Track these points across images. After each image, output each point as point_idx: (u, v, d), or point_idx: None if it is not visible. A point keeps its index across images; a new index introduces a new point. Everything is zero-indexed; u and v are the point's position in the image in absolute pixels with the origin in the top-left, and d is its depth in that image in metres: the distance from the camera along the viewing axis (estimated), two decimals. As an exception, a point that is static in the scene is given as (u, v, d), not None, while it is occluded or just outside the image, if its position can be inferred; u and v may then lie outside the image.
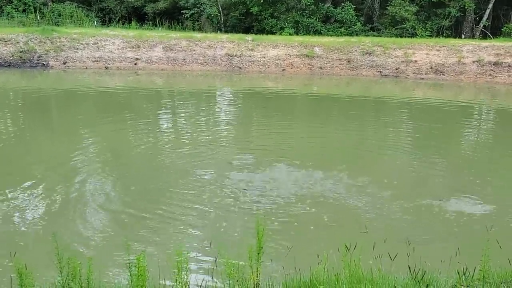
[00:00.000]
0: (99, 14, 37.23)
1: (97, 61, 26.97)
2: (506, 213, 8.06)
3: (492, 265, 4.66)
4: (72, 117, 15.32)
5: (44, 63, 26.33)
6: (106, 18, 36.84)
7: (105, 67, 26.78)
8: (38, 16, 32.77)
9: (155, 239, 6.91)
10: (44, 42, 27.05)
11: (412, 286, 4.35)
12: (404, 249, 5.12)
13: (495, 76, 25.47)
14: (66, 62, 26.54)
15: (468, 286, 4.60)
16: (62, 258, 4.08)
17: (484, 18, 33.84)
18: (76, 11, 34.26)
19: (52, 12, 33.65)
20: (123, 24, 35.26)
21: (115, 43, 27.90)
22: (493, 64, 25.82)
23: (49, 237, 5.60)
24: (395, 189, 9.23)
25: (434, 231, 7.46)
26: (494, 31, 34.32)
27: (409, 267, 4.59)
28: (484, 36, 33.63)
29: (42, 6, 34.44)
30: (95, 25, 33.40)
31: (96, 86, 22.60)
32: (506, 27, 32.23)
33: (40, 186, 8.86)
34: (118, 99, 19.67)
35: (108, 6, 37.59)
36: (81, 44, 27.40)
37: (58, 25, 31.02)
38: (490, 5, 33.44)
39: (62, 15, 33.47)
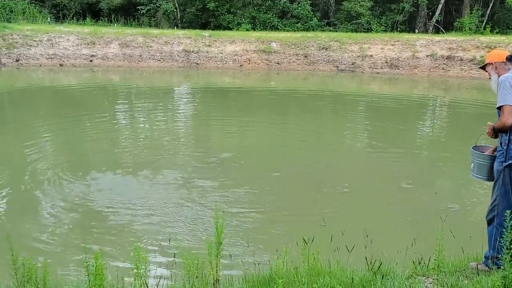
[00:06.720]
0: (53, 10, 36.39)
1: (51, 58, 26.40)
2: (459, 203, 8.26)
3: (447, 254, 4.77)
4: (26, 115, 14.96)
5: (-5, 60, 25.66)
6: (60, 15, 36.06)
7: (60, 64, 26.24)
8: (-12, 13, 31.87)
9: (113, 238, 6.83)
10: (-4, 39, 26.37)
11: (370, 277, 4.41)
12: (362, 241, 5.19)
13: (448, 70, 26.02)
14: (19, 59, 25.90)
15: (423, 276, 4.70)
16: (17, 260, 3.99)
17: (437, 13, 34.55)
18: (28, 7, 33.40)
19: (4, 8, 32.64)
20: (77, 20, 34.57)
21: (70, 40, 27.36)
22: (446, 58, 26.37)
23: (3, 239, 5.48)
24: (352, 182, 9.35)
25: (390, 222, 7.59)
26: (446, 25, 35.09)
27: (366, 259, 4.66)
28: (437, 31, 34.32)
29: (-8, 2, 33.50)
30: (49, 22, 32.66)
31: (50, 83, 22.16)
32: (458, 22, 32.96)
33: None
34: (73, 97, 19.33)
35: (62, 2, 36.82)
36: (34, 41, 26.76)
37: (10, 22, 30.20)
38: (442, 0, 34.13)
39: (14, 12, 32.55)
